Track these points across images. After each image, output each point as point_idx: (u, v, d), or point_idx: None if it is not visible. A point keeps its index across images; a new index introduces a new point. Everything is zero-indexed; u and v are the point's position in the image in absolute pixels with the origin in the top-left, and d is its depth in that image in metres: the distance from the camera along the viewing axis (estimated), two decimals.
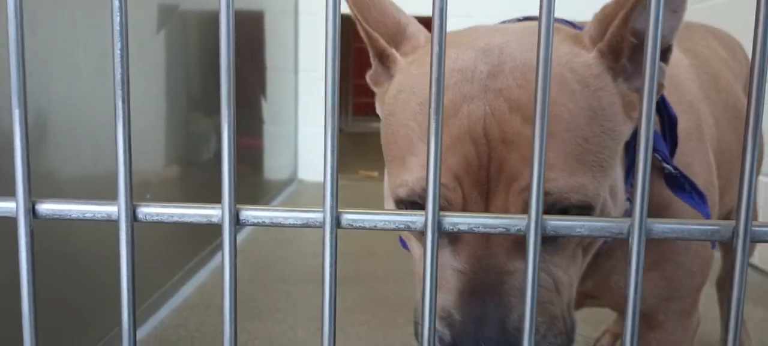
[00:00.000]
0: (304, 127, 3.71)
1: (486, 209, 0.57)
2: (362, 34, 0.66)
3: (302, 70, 3.66)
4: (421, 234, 0.62)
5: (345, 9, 0.71)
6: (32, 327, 0.39)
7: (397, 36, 0.67)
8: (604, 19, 0.60)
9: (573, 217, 0.37)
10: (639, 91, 0.62)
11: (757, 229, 0.35)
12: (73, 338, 1.28)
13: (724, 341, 0.37)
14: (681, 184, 0.67)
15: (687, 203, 0.67)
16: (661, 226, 0.36)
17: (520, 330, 0.54)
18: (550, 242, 0.59)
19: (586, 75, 0.59)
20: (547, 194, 0.55)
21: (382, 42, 0.65)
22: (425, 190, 0.56)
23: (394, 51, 0.66)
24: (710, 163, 0.79)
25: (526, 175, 0.55)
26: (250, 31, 2.78)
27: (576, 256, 0.62)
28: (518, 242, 0.57)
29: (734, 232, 0.35)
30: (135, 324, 0.39)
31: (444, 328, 0.57)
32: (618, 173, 0.63)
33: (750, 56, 0.34)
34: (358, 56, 5.14)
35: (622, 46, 0.60)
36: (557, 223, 0.36)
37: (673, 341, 0.80)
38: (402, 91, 0.63)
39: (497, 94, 0.57)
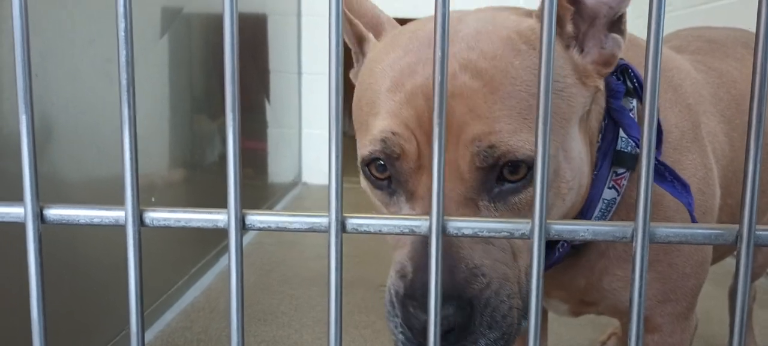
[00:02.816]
0: (307, 130, 3.72)
1: None
2: (344, 22, 0.70)
3: (305, 72, 3.66)
4: (385, 202, 0.65)
5: None
6: (42, 331, 0.39)
7: (377, 28, 0.73)
8: None
9: (576, 221, 0.37)
10: (595, 64, 0.64)
11: (761, 233, 0.35)
12: (81, 342, 1.28)
13: (731, 344, 0.37)
14: (661, 172, 0.67)
15: (669, 192, 0.67)
16: (664, 230, 0.36)
17: (468, 280, 0.56)
18: (500, 201, 0.61)
19: (532, 37, 0.62)
20: (491, 146, 0.58)
21: (361, 27, 0.71)
22: (384, 142, 0.60)
23: (371, 34, 0.71)
24: (708, 166, 0.79)
25: (472, 126, 0.58)
26: (253, 34, 2.78)
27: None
28: (468, 197, 0.59)
29: (738, 235, 0.35)
30: (143, 328, 0.40)
31: (398, 279, 0.59)
32: (575, 139, 0.64)
33: None
34: None
35: (560, 12, 0.62)
36: (561, 227, 0.36)
37: (672, 343, 0.80)
38: (368, 62, 0.68)
39: (451, 57, 0.60)
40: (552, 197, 0.63)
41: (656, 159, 0.67)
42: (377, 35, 0.73)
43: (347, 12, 0.71)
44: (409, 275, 0.57)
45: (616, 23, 0.65)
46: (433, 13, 0.36)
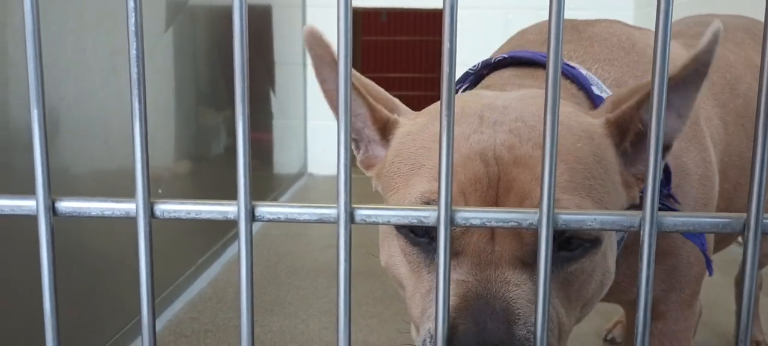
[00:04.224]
0: (313, 121, 3.72)
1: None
2: (366, 108, 0.68)
3: (311, 63, 3.65)
4: (417, 264, 0.62)
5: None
6: (54, 323, 0.40)
7: (393, 110, 0.70)
8: (618, 101, 0.64)
9: (584, 212, 0.37)
10: (637, 176, 0.64)
11: None
12: (90, 332, 1.29)
13: (737, 334, 0.37)
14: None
15: (681, 234, 0.68)
16: (671, 219, 0.36)
17: (527, 339, 0.53)
18: (556, 268, 0.59)
19: (591, 131, 0.62)
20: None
21: (386, 112, 0.68)
22: (430, 204, 0.56)
23: (396, 116, 0.69)
24: (706, 159, 0.80)
25: (538, 192, 0.56)
26: (258, 26, 2.78)
27: (575, 304, 0.62)
28: (524, 262, 0.57)
29: (745, 224, 0.35)
30: (154, 319, 0.40)
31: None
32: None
33: None
34: (366, 50, 5.14)
35: (630, 127, 0.62)
36: (569, 216, 0.37)
37: (675, 330, 0.81)
38: (409, 134, 0.66)
39: (506, 131, 0.60)
40: (597, 288, 0.63)
41: (662, 202, 0.67)
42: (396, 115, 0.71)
43: (369, 98, 0.68)
44: (460, 326, 0.54)
45: (664, 148, 0.65)
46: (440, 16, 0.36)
